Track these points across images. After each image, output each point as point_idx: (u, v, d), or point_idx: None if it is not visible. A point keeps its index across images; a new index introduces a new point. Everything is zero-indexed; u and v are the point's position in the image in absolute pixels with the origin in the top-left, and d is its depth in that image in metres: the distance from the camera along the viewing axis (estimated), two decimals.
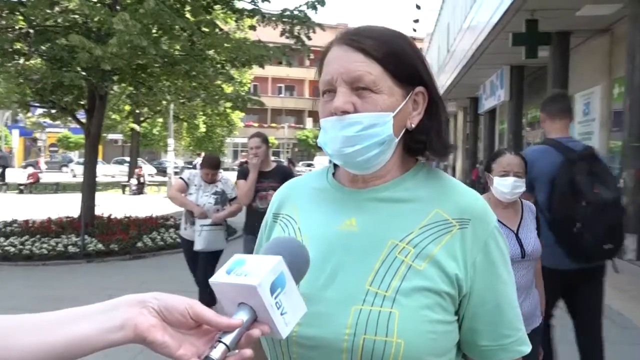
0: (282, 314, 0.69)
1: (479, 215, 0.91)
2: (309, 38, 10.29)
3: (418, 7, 36.78)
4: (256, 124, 55.09)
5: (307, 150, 53.31)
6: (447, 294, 0.86)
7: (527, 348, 0.93)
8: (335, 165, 1.03)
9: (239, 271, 0.69)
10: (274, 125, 55.48)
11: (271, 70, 44.44)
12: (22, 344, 0.62)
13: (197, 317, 0.66)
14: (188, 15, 9.40)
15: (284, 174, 4.40)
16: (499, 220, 2.26)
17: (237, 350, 0.66)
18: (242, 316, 0.67)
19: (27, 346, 0.62)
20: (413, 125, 0.93)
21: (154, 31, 8.80)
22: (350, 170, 0.95)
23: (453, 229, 0.89)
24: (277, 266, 0.69)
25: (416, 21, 39.82)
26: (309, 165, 45.03)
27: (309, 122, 57.35)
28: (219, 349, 0.64)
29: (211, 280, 0.70)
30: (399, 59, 0.90)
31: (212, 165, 4.87)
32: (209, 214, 4.66)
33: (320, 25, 10.34)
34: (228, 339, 0.65)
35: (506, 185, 2.42)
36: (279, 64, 11.31)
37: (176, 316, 0.66)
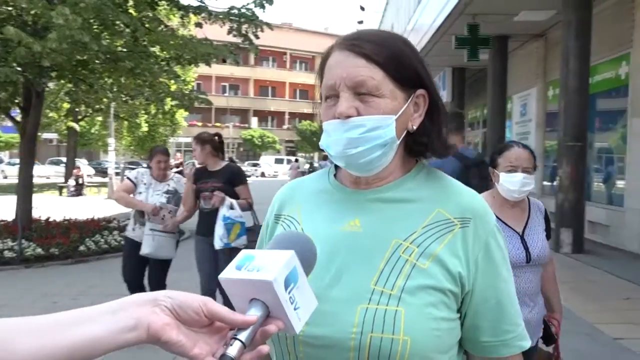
0: (295, 309, 0.68)
1: (479, 214, 0.93)
2: (257, 37, 10.21)
3: (362, 8, 37.34)
4: (200, 124, 54.07)
5: (253, 149, 52.89)
6: (450, 292, 0.88)
7: (527, 343, 0.95)
8: (337, 167, 1.04)
9: (250, 266, 0.68)
10: (218, 124, 54.60)
11: (215, 69, 43.75)
12: (22, 349, 0.60)
13: (211, 315, 0.65)
14: (131, 10, 9.11)
15: (230, 174, 4.26)
16: (503, 222, 2.15)
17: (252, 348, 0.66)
18: (256, 312, 0.66)
19: (27, 350, 0.59)
20: (414, 127, 0.94)
21: (95, 26, 8.47)
22: (352, 172, 0.96)
23: (455, 228, 0.91)
24: (291, 260, 0.69)
25: (360, 22, 40.25)
26: (255, 165, 44.73)
27: (254, 121, 56.90)
28: (235, 346, 0.63)
29: (221, 276, 0.69)
30: (400, 62, 0.91)
31: (165, 151, 4.67)
32: (164, 211, 4.41)
33: (268, 24, 10.28)
34: (243, 335, 0.64)
35: (514, 182, 2.20)
36: (223, 62, 11.15)
37: (190, 314, 0.65)
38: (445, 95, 16.06)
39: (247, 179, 4.56)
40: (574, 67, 8.00)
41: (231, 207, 4.10)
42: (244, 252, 0.72)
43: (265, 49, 48.45)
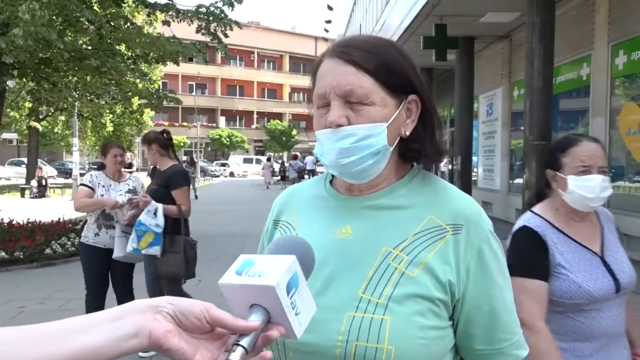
0: (296, 314, 0.68)
1: (472, 220, 0.91)
2: (226, 35, 10.14)
3: (330, 7, 37.38)
4: (166, 123, 53.18)
5: (221, 149, 52.40)
6: (439, 300, 0.87)
7: (524, 352, 0.93)
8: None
9: (251, 272, 0.68)
10: (185, 124, 53.89)
11: (182, 68, 43.17)
12: (21, 359, 0.58)
13: (213, 321, 0.65)
14: (96, 7, 8.90)
15: (167, 177, 4.01)
16: (575, 240, 1.70)
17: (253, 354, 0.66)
18: (257, 318, 0.66)
19: None
20: (407, 133, 0.94)
21: (57, 23, 8.25)
22: (346, 180, 0.96)
23: (446, 235, 0.89)
24: (292, 266, 0.69)
25: (328, 22, 40.32)
26: (224, 164, 44.31)
27: (222, 120, 56.35)
28: (238, 353, 0.63)
29: (220, 281, 0.68)
30: (390, 69, 0.91)
31: (120, 145, 4.47)
32: (126, 209, 4.14)
33: (237, 23, 10.22)
34: (246, 341, 0.64)
35: (591, 188, 1.65)
36: (190, 60, 11.03)
37: (192, 320, 0.64)
38: None
39: (198, 179, 4.39)
40: (538, 68, 8.21)
41: (155, 213, 3.85)
42: (243, 257, 0.71)
43: (233, 47, 47.98)
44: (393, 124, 0.91)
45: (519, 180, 9.87)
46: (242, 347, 0.63)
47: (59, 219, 10.39)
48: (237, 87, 58.67)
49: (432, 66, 15.06)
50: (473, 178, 13.81)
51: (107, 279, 4.31)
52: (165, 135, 4.16)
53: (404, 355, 0.82)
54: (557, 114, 9.60)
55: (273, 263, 0.69)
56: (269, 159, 30.82)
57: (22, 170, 28.38)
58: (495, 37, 12.17)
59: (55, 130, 30.21)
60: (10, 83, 10.63)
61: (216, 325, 0.66)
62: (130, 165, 18.67)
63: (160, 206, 3.87)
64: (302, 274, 0.70)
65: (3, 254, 7.48)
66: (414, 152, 0.96)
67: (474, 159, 13.61)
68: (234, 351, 0.63)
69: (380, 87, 0.89)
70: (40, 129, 25.05)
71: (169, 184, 3.97)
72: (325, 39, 38.87)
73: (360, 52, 0.90)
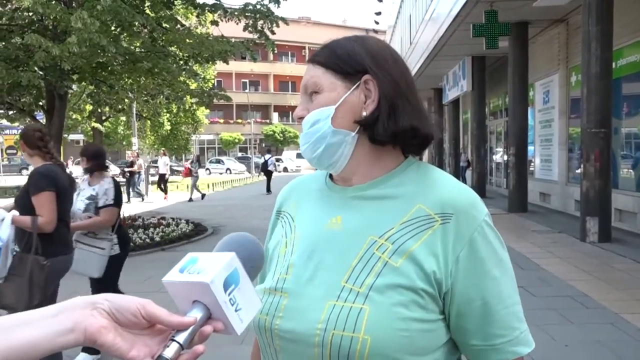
0: (236, 311, 0.69)
1: (463, 209, 0.88)
2: (273, 32, 10.24)
3: None
4: (221, 120, 54.53)
5: (275, 145, 53.13)
6: (424, 292, 0.84)
7: (525, 349, 0.88)
8: None
9: (192, 269, 0.69)
10: (239, 121, 55.00)
11: (235, 66, 44.08)
12: None
13: (149, 317, 0.66)
14: (148, 11, 9.22)
15: (28, 180, 3.27)
16: None
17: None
18: (195, 314, 0.67)
19: None
20: (365, 114, 0.92)
21: (112, 28, 8.61)
22: (318, 168, 1.00)
23: (435, 224, 0.87)
24: (231, 262, 0.69)
25: (378, 13, 39.89)
26: (278, 160, 44.88)
27: (275, 116, 57.10)
28: (172, 348, 0.64)
29: (164, 279, 0.70)
30: (337, 54, 0.94)
31: (81, 150, 4.08)
32: (74, 219, 3.71)
33: (284, 19, 10.30)
34: (182, 337, 0.65)
35: None
36: (243, 59, 11.23)
37: (128, 316, 0.66)
38: (465, 84, 15.84)
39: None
40: (595, 52, 7.81)
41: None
42: (189, 255, 0.72)
43: (284, 44, 48.48)
44: (345, 107, 0.92)
45: (579, 171, 9.43)
46: (177, 342, 0.65)
47: (121, 215, 10.90)
48: (290, 82, 59.21)
49: (484, 54, 14.65)
50: (530, 169, 13.33)
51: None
52: (37, 133, 3.37)
53: (381, 345, 0.81)
54: (620, 99, 9.09)
55: (213, 260, 0.70)
56: None
57: None
58: (550, 21, 11.66)
59: (118, 130, 31.58)
60: (73, 87, 11.23)
61: (152, 321, 0.67)
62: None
63: (8, 215, 3.13)
64: (244, 271, 0.71)
65: None
66: (369, 132, 0.93)
67: (530, 148, 13.12)
68: (168, 346, 0.64)
69: (329, 73, 0.93)
70: (103, 130, 26.26)
71: (29, 188, 3.23)
72: (376, 31, 38.54)
73: (320, 51, 0.98)
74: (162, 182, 18.23)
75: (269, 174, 20.74)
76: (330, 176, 1.04)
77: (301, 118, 0.96)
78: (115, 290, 4.00)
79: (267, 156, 21.63)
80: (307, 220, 1.00)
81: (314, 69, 0.95)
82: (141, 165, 18.29)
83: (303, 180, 1.12)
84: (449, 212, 0.87)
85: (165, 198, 17.62)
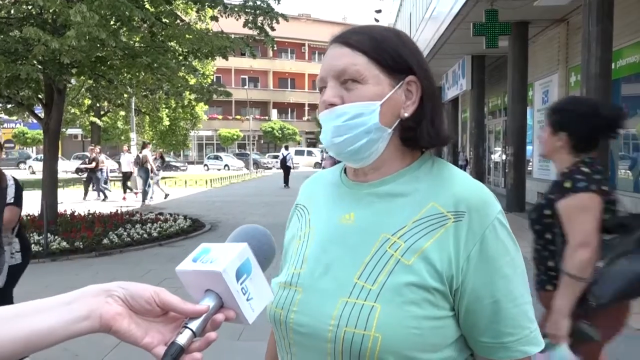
0: (248, 300, 0.70)
1: (475, 207, 0.87)
2: (273, 29, 10.22)
3: None
4: (220, 117, 54.45)
5: (273, 141, 53.07)
6: (435, 290, 0.85)
7: (534, 348, 0.88)
8: None
9: (205, 259, 0.70)
10: (238, 117, 54.93)
11: (234, 62, 43.96)
12: None
13: (163, 304, 0.67)
14: (147, 6, 9.19)
15: None
16: None
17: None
18: (208, 302, 0.68)
19: None
20: (406, 115, 0.92)
21: (112, 22, 8.58)
22: (344, 162, 0.98)
23: (447, 222, 0.87)
24: (243, 252, 0.71)
25: (378, 11, 39.87)
26: (276, 157, 44.81)
27: (274, 113, 57.01)
28: (185, 335, 0.65)
29: (177, 268, 0.71)
30: (384, 48, 0.91)
31: None
32: None
33: (284, 16, 10.28)
34: (194, 324, 0.66)
35: None
36: (242, 55, 11.19)
37: (142, 304, 0.67)
38: (464, 83, 15.84)
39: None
40: (595, 52, 7.80)
41: None
42: (202, 245, 0.74)
43: (284, 40, 48.35)
44: (389, 104, 0.91)
45: None
46: (190, 329, 0.66)
47: (117, 210, 10.91)
48: (289, 79, 59.14)
49: (484, 53, 14.65)
50: (528, 168, 13.34)
51: None
52: None
53: (392, 343, 0.82)
54: (619, 100, 9.10)
55: (225, 250, 0.71)
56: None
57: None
58: (550, 20, 11.66)
59: (117, 125, 31.49)
60: (72, 81, 11.19)
61: (166, 309, 0.68)
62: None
63: None
64: (256, 261, 0.72)
65: (64, 243, 7.90)
66: (410, 133, 0.93)
67: (529, 148, 13.12)
68: (181, 333, 0.65)
69: (374, 65, 0.90)
70: (102, 124, 26.19)
71: None
72: None
73: (355, 35, 0.93)
74: (125, 181, 16.54)
75: (287, 169, 21.36)
76: (345, 171, 1.04)
77: (331, 105, 0.91)
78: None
79: (285, 152, 22.08)
80: (321, 215, 1.01)
81: (355, 56, 0.90)
82: (103, 162, 16.47)
83: (322, 174, 1.12)
84: (462, 210, 0.88)
85: (124, 198, 15.90)
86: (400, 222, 0.89)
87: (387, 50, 0.91)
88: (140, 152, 15.45)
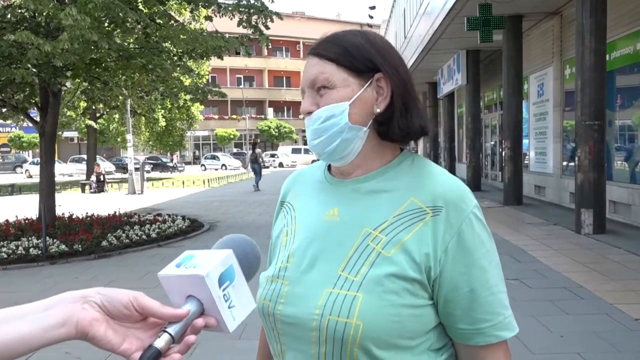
0: (229, 307, 0.69)
1: (453, 202, 0.92)
2: (267, 27, 10.20)
3: None
4: (216, 116, 54.38)
5: (270, 140, 53.02)
6: (414, 280, 0.89)
7: (508, 333, 0.93)
8: None
9: (189, 264, 0.70)
10: (234, 116, 54.87)
11: (229, 61, 43.89)
12: None
13: (141, 309, 0.66)
14: (141, 7, 9.16)
15: None
16: None
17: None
18: (188, 307, 0.68)
19: None
20: (379, 110, 0.96)
21: (106, 24, 8.55)
22: (327, 162, 1.03)
23: (426, 217, 0.92)
24: (227, 259, 0.71)
25: (372, 8, 39.81)
26: (273, 155, 44.83)
27: (270, 112, 56.95)
28: (163, 339, 0.64)
29: (160, 273, 0.70)
30: (349, 52, 0.96)
31: None
32: None
33: (278, 14, 10.26)
34: (173, 329, 0.65)
35: None
36: (237, 54, 11.18)
37: (120, 309, 0.65)
38: (460, 78, 15.84)
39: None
40: (589, 44, 7.83)
41: None
42: (186, 252, 0.74)
43: (278, 39, 48.30)
44: (359, 103, 0.95)
45: (573, 163, 9.46)
46: (169, 333, 0.65)
47: (115, 212, 10.89)
48: (284, 78, 59.07)
49: (479, 48, 14.66)
50: (525, 162, 13.37)
51: None
52: None
53: (373, 330, 0.86)
54: (614, 91, 9.13)
55: (209, 256, 0.71)
56: None
57: (83, 166, 29.72)
58: (544, 14, 11.67)
59: (111, 127, 31.43)
60: (67, 84, 11.14)
61: (145, 313, 0.66)
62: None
63: None
64: (239, 269, 0.72)
65: (63, 246, 7.89)
66: (383, 129, 0.98)
67: (525, 141, 13.15)
68: (159, 337, 0.65)
69: (341, 69, 0.95)
70: (97, 127, 26.12)
71: None
72: (370, 26, 38.43)
73: (324, 44, 0.99)
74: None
75: (258, 169, 21.17)
76: (329, 168, 1.08)
77: (309, 113, 0.97)
78: None
79: (257, 150, 22.13)
80: (306, 211, 1.05)
81: (324, 65, 0.96)
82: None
83: (305, 171, 1.16)
84: (440, 205, 0.93)
85: None
86: (382, 217, 0.94)
87: (352, 53, 0.96)
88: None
